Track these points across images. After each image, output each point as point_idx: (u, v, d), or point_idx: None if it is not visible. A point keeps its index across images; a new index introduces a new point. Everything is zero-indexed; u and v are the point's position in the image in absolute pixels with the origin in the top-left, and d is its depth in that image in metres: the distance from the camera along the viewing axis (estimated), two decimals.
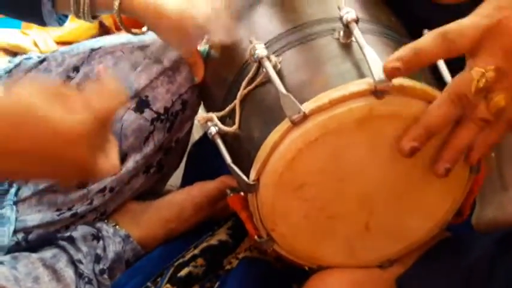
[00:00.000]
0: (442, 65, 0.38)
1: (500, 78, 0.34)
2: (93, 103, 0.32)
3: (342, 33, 0.39)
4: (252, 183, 0.40)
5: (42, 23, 0.56)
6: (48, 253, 0.50)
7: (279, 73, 0.39)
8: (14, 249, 0.51)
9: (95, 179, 0.34)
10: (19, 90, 0.31)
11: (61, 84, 0.35)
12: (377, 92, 0.35)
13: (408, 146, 0.36)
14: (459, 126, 0.36)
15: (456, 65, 0.37)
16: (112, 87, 0.33)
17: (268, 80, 0.39)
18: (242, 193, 0.43)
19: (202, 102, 0.57)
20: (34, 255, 0.48)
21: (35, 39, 0.86)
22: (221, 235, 0.53)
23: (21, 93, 0.30)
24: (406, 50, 0.35)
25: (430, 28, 0.37)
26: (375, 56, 0.36)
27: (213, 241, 0.52)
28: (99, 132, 0.32)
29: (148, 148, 0.53)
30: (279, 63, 0.40)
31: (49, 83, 0.32)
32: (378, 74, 0.35)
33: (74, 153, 0.31)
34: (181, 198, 0.56)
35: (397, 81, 0.36)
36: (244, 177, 0.40)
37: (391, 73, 0.35)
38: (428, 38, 0.35)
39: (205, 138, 0.67)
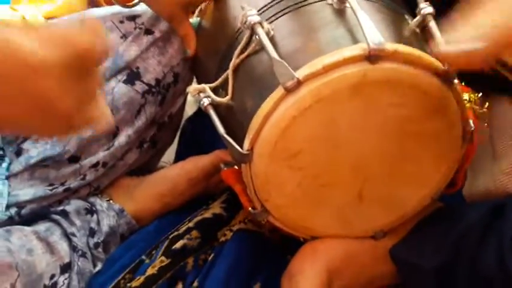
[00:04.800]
0: (435, 29, 0.38)
1: None
2: (71, 38, 0.28)
3: None
4: (245, 153, 0.39)
5: None
6: (41, 226, 0.49)
7: (272, 40, 0.38)
8: (7, 223, 0.50)
9: (83, 127, 0.31)
10: None
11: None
12: (371, 57, 0.35)
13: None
14: None
15: None
16: (95, 28, 0.29)
17: (261, 48, 0.39)
18: (236, 167, 0.43)
19: (195, 77, 0.57)
20: (27, 228, 0.48)
21: (24, 15, 0.84)
22: (215, 209, 0.52)
23: None
24: (459, 49, 0.33)
25: None
26: (369, 21, 0.35)
27: (208, 214, 0.52)
28: (78, 74, 0.29)
29: (140, 122, 0.53)
30: (272, 30, 0.39)
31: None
32: (372, 39, 0.34)
33: (45, 88, 0.27)
34: (175, 172, 0.56)
35: (392, 46, 0.35)
36: (238, 148, 0.40)
37: (443, 59, 0.34)
38: (482, 43, 0.32)
39: (199, 113, 0.66)
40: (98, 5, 0.86)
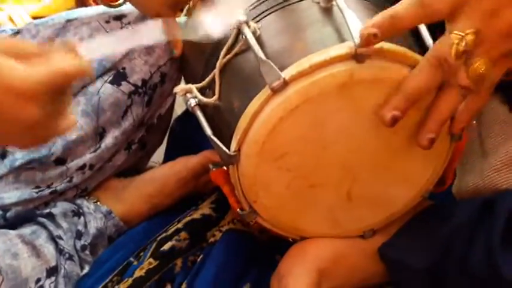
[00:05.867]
0: (423, 29, 0.38)
1: (479, 42, 0.33)
2: (54, 62, 0.29)
3: None
4: (232, 154, 0.39)
5: None
6: (27, 230, 0.49)
7: (259, 39, 0.38)
8: None
9: (51, 138, 0.33)
10: None
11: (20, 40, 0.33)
12: (358, 56, 0.34)
13: (389, 115, 0.35)
14: (440, 94, 0.36)
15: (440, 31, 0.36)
16: (78, 54, 0.31)
17: (247, 48, 0.38)
18: (225, 167, 0.43)
19: (183, 77, 0.56)
20: (12, 232, 0.47)
21: (10, 14, 0.83)
22: (204, 209, 0.52)
23: None
24: (382, 16, 0.34)
25: None
26: (356, 20, 0.35)
27: (196, 215, 0.51)
28: (55, 96, 0.30)
29: (127, 123, 0.52)
30: (259, 29, 0.38)
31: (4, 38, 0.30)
32: (359, 37, 0.34)
33: (22, 111, 0.28)
34: (164, 173, 0.55)
35: (378, 44, 0.35)
36: (225, 149, 0.39)
37: (367, 40, 0.34)
38: (405, 3, 0.34)
39: (188, 112, 0.66)
40: (85, 5, 0.85)
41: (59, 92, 0.31)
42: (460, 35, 0.33)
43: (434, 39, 0.38)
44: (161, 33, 0.37)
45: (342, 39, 0.36)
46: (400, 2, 0.34)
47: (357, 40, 0.34)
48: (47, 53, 0.30)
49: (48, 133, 0.32)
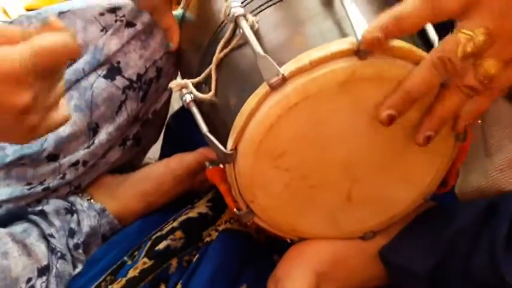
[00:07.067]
0: (428, 24, 0.36)
1: (490, 42, 0.31)
2: (36, 40, 0.28)
3: None
4: (229, 152, 0.38)
5: None
6: (18, 228, 0.47)
7: (257, 33, 0.36)
8: None
9: (45, 131, 0.32)
10: None
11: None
12: (360, 52, 0.33)
13: (385, 114, 0.33)
14: (444, 93, 0.34)
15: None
16: (62, 33, 0.29)
17: (245, 42, 0.37)
18: (221, 166, 0.41)
19: (179, 72, 0.55)
20: (3, 230, 0.46)
21: (4, 6, 0.81)
22: (201, 208, 0.51)
23: None
24: (387, 17, 0.32)
25: None
26: (359, 14, 0.33)
27: (192, 214, 0.50)
28: (44, 77, 0.29)
29: (122, 118, 0.51)
30: (257, 22, 0.37)
31: None
32: (361, 32, 0.32)
33: (14, 95, 0.27)
34: (160, 170, 0.54)
35: None
36: (221, 147, 0.38)
37: (371, 44, 0.32)
38: (411, 2, 0.32)
39: (185, 109, 0.64)
40: None
41: (47, 72, 0.29)
42: (469, 34, 0.31)
43: (439, 34, 0.36)
44: None
45: (343, 34, 0.34)
46: (405, 1, 0.32)
47: (360, 35, 0.33)
48: (29, 34, 0.29)
49: (41, 124, 0.30)
